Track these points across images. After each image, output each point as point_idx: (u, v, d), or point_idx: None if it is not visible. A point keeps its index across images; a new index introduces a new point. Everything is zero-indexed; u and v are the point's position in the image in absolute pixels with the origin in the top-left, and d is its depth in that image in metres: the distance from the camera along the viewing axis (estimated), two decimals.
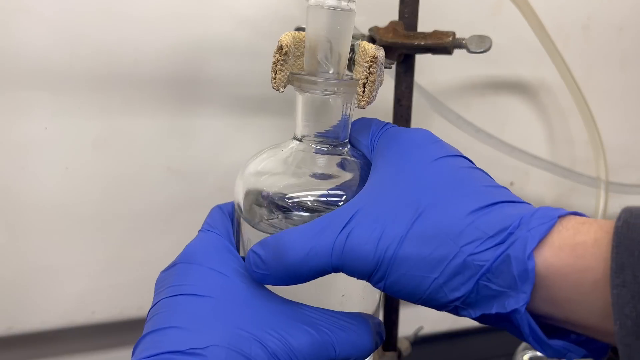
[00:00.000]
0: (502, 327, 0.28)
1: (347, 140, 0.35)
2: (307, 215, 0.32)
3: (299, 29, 0.45)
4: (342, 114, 0.34)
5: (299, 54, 0.34)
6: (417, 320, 0.62)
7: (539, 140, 0.70)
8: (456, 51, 0.43)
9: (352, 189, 0.34)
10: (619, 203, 0.74)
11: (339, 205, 0.33)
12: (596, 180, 0.59)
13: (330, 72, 0.33)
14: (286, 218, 0.33)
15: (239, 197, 0.34)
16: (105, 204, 0.55)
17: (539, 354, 0.59)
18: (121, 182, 0.55)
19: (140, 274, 0.58)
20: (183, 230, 0.58)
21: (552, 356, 0.28)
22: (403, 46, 0.44)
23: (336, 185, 0.34)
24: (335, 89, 0.33)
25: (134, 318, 0.59)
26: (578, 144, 0.71)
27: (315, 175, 0.34)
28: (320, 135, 0.34)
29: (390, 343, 0.52)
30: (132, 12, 0.50)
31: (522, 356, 0.60)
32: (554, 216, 0.27)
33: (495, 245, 0.27)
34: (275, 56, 0.33)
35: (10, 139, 0.50)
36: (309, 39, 0.33)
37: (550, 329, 0.28)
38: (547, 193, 0.73)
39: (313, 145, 0.35)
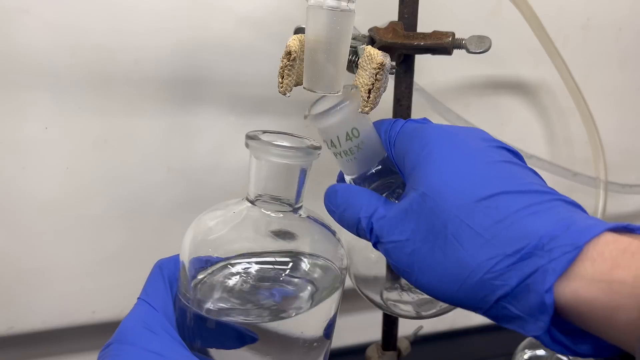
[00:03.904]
0: None
1: (301, 204, 0.35)
2: (251, 283, 0.32)
3: (299, 29, 0.45)
4: (299, 178, 0.34)
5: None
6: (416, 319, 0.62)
7: (539, 140, 0.70)
8: (456, 51, 0.43)
9: (300, 257, 0.33)
10: (618, 203, 0.75)
11: (285, 273, 0.32)
12: (595, 180, 0.59)
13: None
14: (228, 291, 0.32)
15: (185, 255, 0.34)
16: (105, 203, 0.55)
17: (538, 353, 0.59)
18: (121, 182, 0.55)
19: (140, 274, 0.58)
20: (183, 230, 0.58)
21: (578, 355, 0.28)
22: (403, 46, 0.43)
23: (284, 252, 0.33)
24: (294, 158, 0.32)
25: None
26: (577, 144, 0.71)
27: (264, 241, 0.33)
28: (273, 198, 0.34)
29: (390, 342, 0.52)
30: (132, 13, 0.50)
31: (522, 356, 0.60)
32: (579, 244, 0.26)
33: (514, 264, 0.27)
34: (282, 61, 0.33)
35: (11, 139, 0.50)
36: (308, 39, 0.33)
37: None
38: None
39: (264, 211, 0.34)
